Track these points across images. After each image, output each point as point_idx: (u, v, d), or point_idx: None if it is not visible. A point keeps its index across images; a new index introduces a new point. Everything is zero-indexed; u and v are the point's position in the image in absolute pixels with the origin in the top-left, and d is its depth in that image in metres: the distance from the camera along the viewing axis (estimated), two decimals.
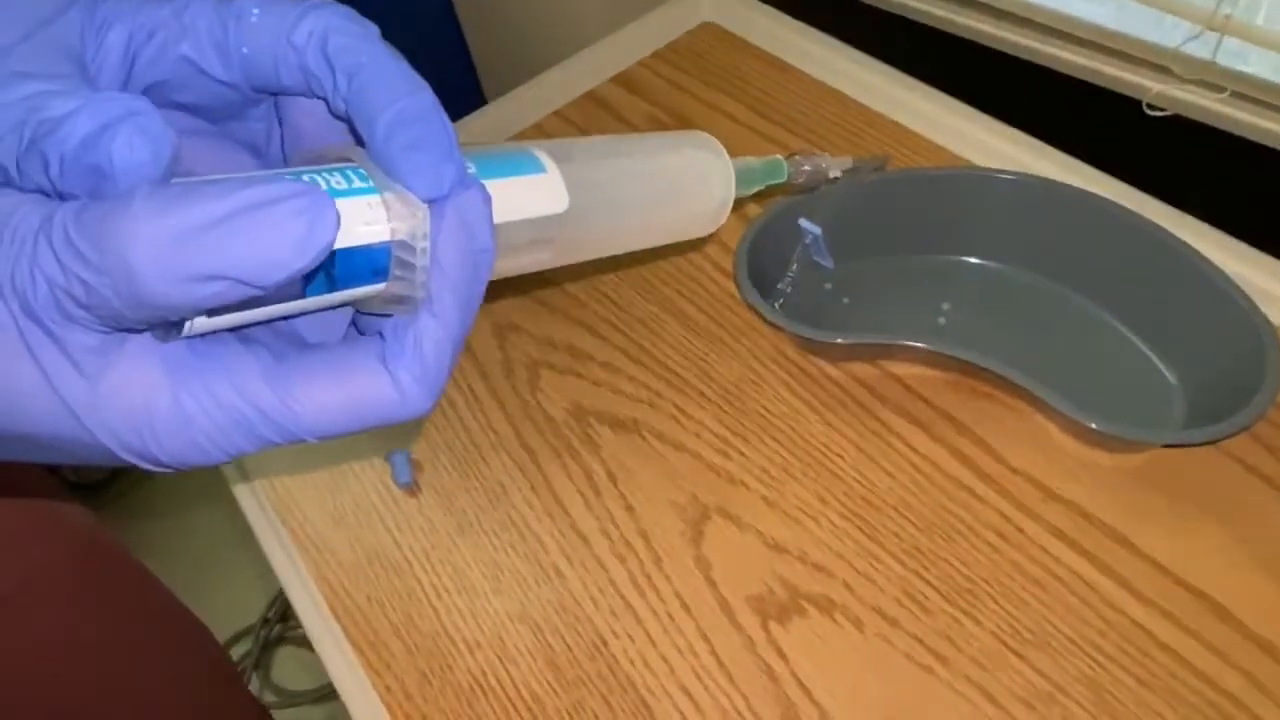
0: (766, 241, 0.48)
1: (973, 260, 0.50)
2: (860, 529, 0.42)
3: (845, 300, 0.50)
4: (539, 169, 0.26)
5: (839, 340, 0.45)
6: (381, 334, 0.21)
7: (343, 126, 0.23)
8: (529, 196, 0.25)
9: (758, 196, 0.37)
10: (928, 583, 0.40)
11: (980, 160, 0.54)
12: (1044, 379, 0.41)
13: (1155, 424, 0.42)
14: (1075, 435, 0.43)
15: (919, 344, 0.44)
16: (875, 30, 0.68)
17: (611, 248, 0.30)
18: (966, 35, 0.62)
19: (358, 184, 0.20)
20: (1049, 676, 0.37)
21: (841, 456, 0.45)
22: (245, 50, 0.21)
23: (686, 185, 0.32)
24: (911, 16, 0.65)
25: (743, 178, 0.34)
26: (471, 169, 0.23)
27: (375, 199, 0.20)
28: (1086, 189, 0.46)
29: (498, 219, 0.23)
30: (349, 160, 0.21)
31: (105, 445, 0.18)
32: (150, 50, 0.21)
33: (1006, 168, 0.50)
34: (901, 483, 0.43)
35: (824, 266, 0.50)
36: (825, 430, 0.46)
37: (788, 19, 0.67)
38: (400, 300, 0.21)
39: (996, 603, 0.39)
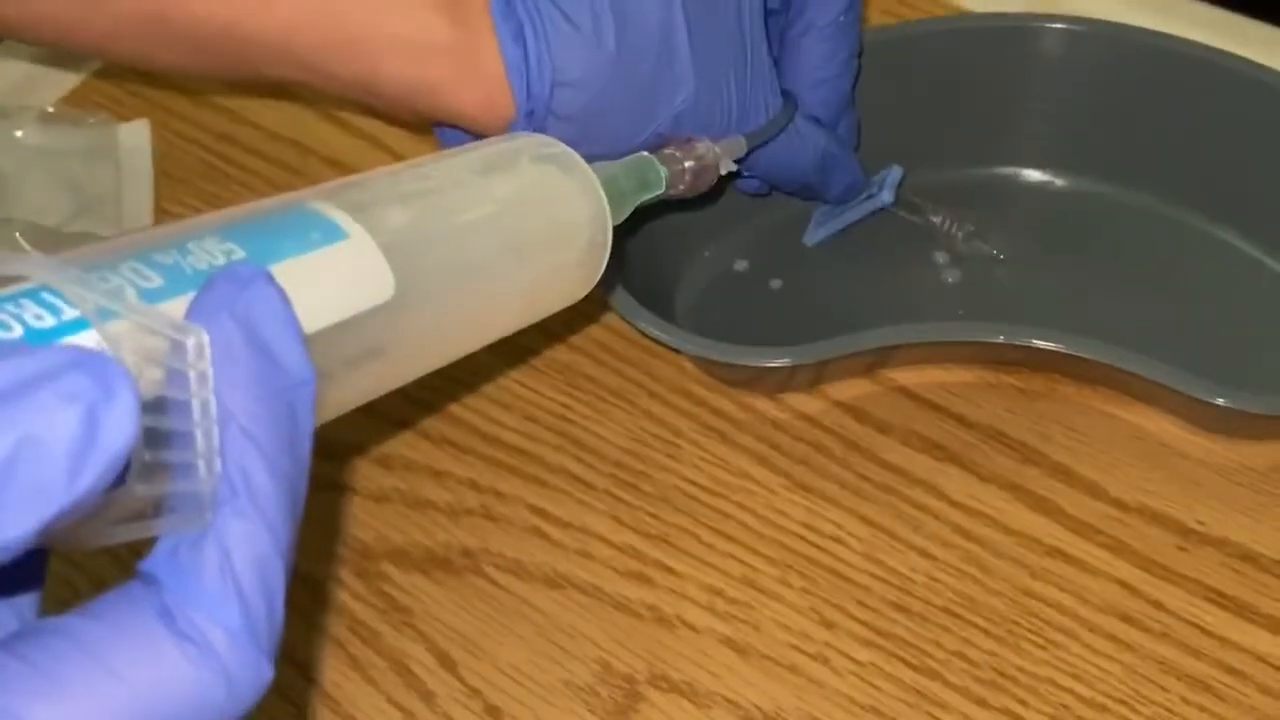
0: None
1: (991, 171, 0.52)
2: (900, 658, 0.41)
3: (774, 283, 0.50)
4: (336, 234, 0.27)
5: (780, 364, 0.44)
6: (151, 573, 0.20)
7: None
8: (335, 282, 0.27)
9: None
10: None
11: (979, 4, 0.55)
12: (1137, 347, 0.42)
13: None
14: (1203, 427, 0.45)
15: (915, 336, 0.45)
16: None
17: (463, 343, 0.32)
18: None
19: (60, 316, 0.21)
20: None
21: (840, 541, 0.44)
22: None
23: (545, 221, 0.35)
24: None
25: (610, 196, 0.36)
26: (233, 250, 0.25)
27: (90, 335, 0.21)
28: (1176, 35, 0.48)
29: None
30: (20, 277, 0.22)
31: None
32: None
33: (1036, 10, 0.52)
34: (950, 565, 0.43)
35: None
36: (803, 501, 0.45)
37: None
38: (157, 510, 0.21)
39: None
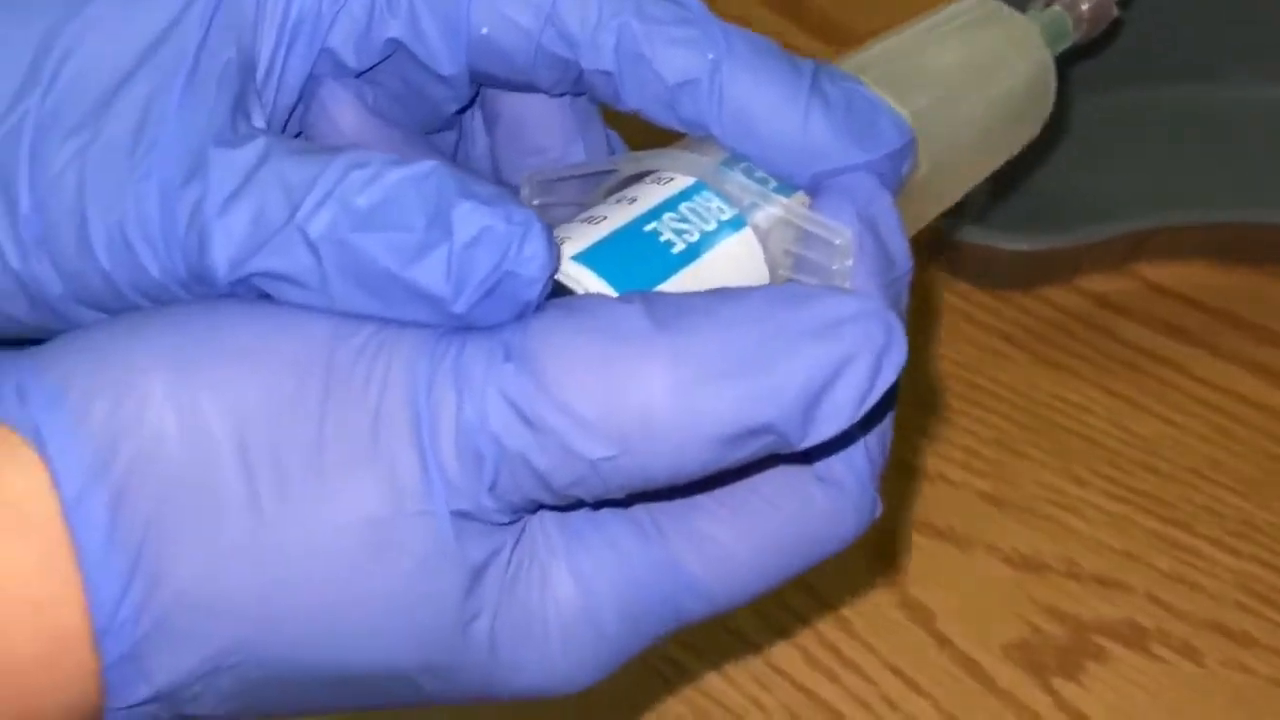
0: None
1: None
2: (1150, 511, 0.42)
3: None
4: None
5: (1024, 247, 0.46)
6: None
7: (570, 121, 0.26)
8: None
9: None
10: None
11: None
12: None
13: None
14: None
15: (1178, 219, 0.46)
16: None
17: (940, 206, 0.33)
18: None
19: (732, 210, 0.23)
20: None
21: (1087, 409, 0.45)
22: (485, 31, 0.23)
23: (1011, 73, 0.34)
24: None
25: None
26: None
27: (748, 238, 0.23)
28: None
29: None
30: (664, 174, 0.24)
31: (499, 679, 0.21)
32: (343, 31, 0.23)
33: None
34: (1195, 431, 0.44)
35: None
36: (1049, 375, 0.46)
37: None
38: None
39: None
